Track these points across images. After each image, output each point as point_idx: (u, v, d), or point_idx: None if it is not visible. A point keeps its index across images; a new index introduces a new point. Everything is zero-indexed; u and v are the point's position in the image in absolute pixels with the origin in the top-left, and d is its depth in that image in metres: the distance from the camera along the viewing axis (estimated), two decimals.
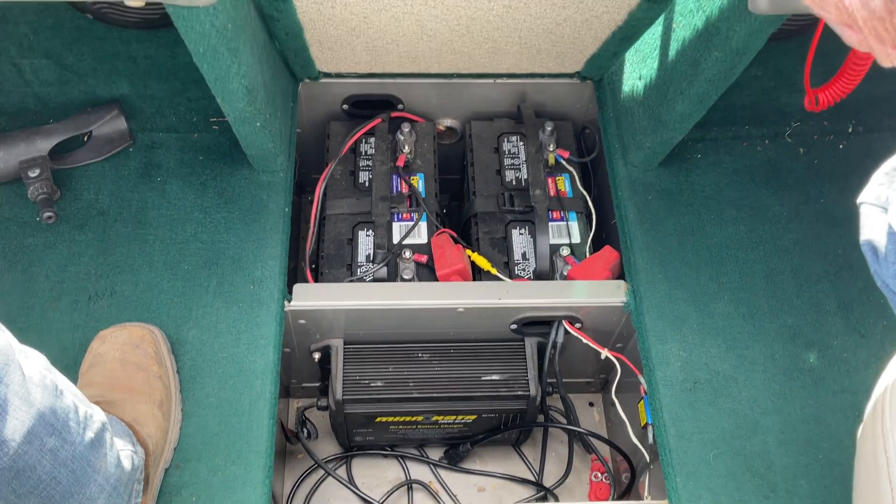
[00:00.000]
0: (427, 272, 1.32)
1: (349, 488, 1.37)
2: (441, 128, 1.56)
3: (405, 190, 1.41)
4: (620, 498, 1.35)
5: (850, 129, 1.50)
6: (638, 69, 1.32)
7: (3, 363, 0.72)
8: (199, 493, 1.08)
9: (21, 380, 0.74)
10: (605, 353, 1.29)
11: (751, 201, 1.39)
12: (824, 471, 1.14)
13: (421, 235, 1.36)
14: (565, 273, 1.31)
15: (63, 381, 0.83)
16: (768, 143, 1.47)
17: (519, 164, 1.45)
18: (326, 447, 1.47)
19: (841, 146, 1.48)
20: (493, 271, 1.31)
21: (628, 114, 1.36)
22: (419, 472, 1.46)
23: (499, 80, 1.46)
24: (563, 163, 1.44)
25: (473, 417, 1.32)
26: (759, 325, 1.26)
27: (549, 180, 1.42)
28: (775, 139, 1.48)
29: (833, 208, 1.39)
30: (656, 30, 1.25)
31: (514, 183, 1.43)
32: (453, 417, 1.31)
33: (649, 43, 1.28)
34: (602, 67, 1.42)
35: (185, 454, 1.11)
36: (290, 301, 1.23)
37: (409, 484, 1.44)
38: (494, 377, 1.28)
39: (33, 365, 0.78)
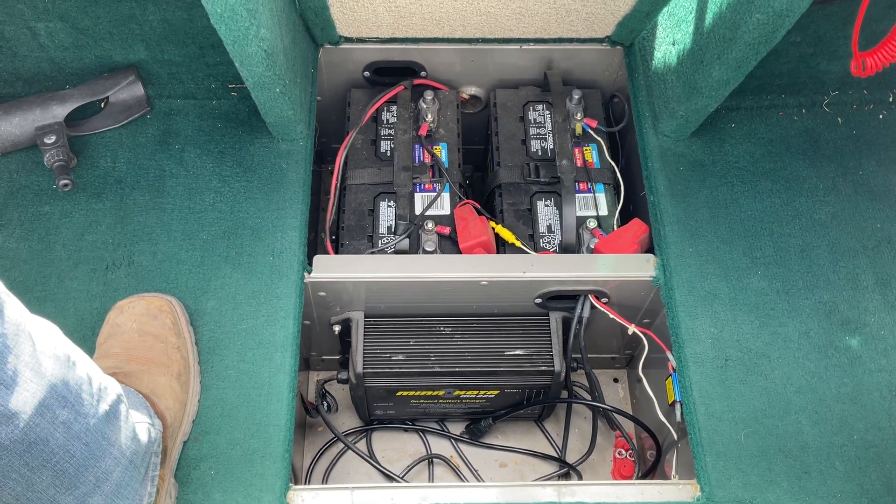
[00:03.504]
0: (450, 244, 1.29)
1: (369, 462, 1.35)
2: (465, 96, 1.52)
3: (428, 160, 1.38)
4: (645, 476, 1.33)
5: (890, 99, 1.45)
6: (672, 33, 1.27)
7: (14, 333, 0.69)
8: (218, 466, 1.07)
9: (32, 351, 0.72)
10: (632, 328, 1.25)
11: (786, 173, 1.34)
12: (859, 452, 1.11)
13: (444, 206, 1.33)
14: (592, 246, 1.28)
15: (76, 352, 0.81)
16: (805, 112, 1.42)
17: (545, 134, 1.41)
18: (346, 420, 1.45)
19: (881, 116, 1.43)
20: (518, 244, 1.28)
21: (660, 81, 1.31)
22: (440, 446, 1.44)
23: (525, 46, 1.42)
24: (591, 132, 1.40)
25: (496, 392, 1.29)
26: (793, 301, 1.21)
27: (576, 150, 1.38)
28: (813, 108, 1.42)
29: (872, 180, 1.34)
30: None
31: (539, 153, 1.39)
32: (475, 392, 1.29)
33: (684, 6, 1.22)
34: (633, 31, 1.37)
35: (203, 427, 1.10)
36: (310, 273, 1.21)
37: (430, 458, 1.42)
38: (518, 352, 1.25)
39: (45, 335, 0.76)
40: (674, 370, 1.19)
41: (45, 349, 0.75)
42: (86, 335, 1.14)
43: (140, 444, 0.91)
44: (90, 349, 1.10)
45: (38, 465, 0.75)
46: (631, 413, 1.43)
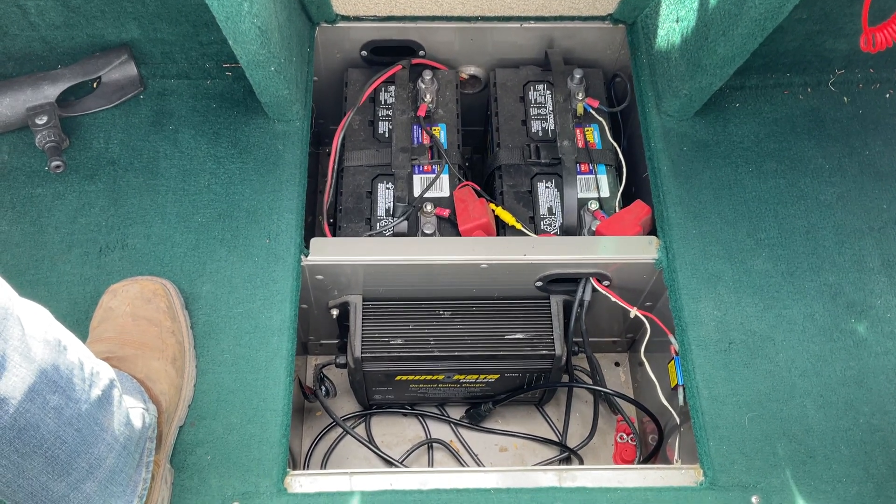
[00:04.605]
0: (449, 227, 1.27)
1: (368, 447, 1.34)
2: (464, 76, 1.49)
3: (426, 141, 1.35)
4: (647, 460, 1.32)
5: None
6: (675, 10, 1.24)
7: (2, 317, 0.68)
8: (215, 451, 1.05)
9: (21, 335, 0.70)
10: (634, 311, 1.24)
11: (791, 153, 1.32)
12: (865, 436, 1.09)
13: (443, 188, 1.31)
14: (594, 228, 1.26)
15: (68, 336, 0.79)
16: (811, 91, 1.39)
17: (546, 114, 1.39)
18: (345, 405, 1.44)
19: (887, 95, 1.41)
20: (518, 226, 1.26)
21: (664, 59, 1.29)
22: (440, 431, 1.43)
23: (526, 24, 1.39)
24: (593, 112, 1.37)
25: (496, 377, 1.28)
26: (798, 283, 1.20)
27: (578, 131, 1.36)
28: (818, 87, 1.40)
29: (878, 161, 1.32)
30: None
31: (540, 134, 1.37)
32: (475, 377, 1.27)
33: None
34: (636, 8, 1.34)
35: (199, 412, 1.08)
36: (306, 256, 1.19)
37: (430, 443, 1.41)
38: (518, 336, 1.24)
39: (35, 319, 0.74)
40: (676, 353, 1.17)
41: (35, 333, 0.73)
42: (79, 319, 1.12)
43: (134, 430, 0.89)
44: (83, 333, 1.08)
45: (28, 452, 0.74)
46: (632, 397, 1.42)
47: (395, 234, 1.26)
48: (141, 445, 0.93)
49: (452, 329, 1.24)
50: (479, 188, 1.31)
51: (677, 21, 1.24)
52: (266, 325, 1.14)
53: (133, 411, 0.91)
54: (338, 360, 1.28)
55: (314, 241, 1.20)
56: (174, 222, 1.22)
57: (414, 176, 1.32)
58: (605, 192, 1.31)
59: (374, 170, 1.33)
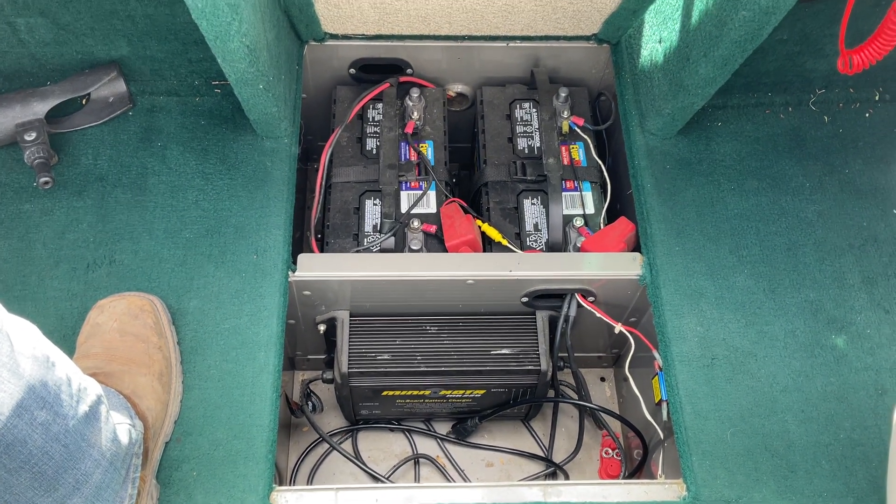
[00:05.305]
0: (436, 243, 1.28)
1: (355, 462, 1.35)
2: (451, 94, 1.51)
3: (414, 158, 1.37)
4: (632, 475, 1.32)
5: (876, 97, 1.45)
6: (658, 31, 1.26)
7: None
8: (201, 467, 1.05)
9: (9, 351, 0.71)
10: (618, 327, 1.25)
11: (773, 171, 1.34)
12: (846, 451, 1.10)
13: (430, 205, 1.32)
14: (579, 245, 1.27)
15: (55, 352, 0.80)
16: (792, 110, 1.42)
17: (531, 132, 1.41)
18: (332, 420, 1.44)
19: (867, 114, 1.43)
20: (504, 242, 1.27)
21: (647, 79, 1.31)
22: (426, 446, 1.43)
23: (512, 44, 1.41)
24: (578, 130, 1.39)
25: (482, 392, 1.28)
26: (779, 299, 1.21)
27: (563, 149, 1.38)
28: (799, 107, 1.42)
29: (858, 179, 1.35)
30: None
31: (526, 151, 1.39)
32: (461, 392, 1.28)
33: (671, 3, 1.22)
34: (620, 28, 1.37)
35: (186, 428, 1.08)
36: (294, 271, 1.19)
37: (416, 458, 1.42)
38: (504, 351, 1.25)
39: (24, 335, 0.75)
40: (660, 369, 1.18)
41: (23, 349, 0.73)
42: (66, 335, 1.12)
43: (120, 446, 0.89)
44: (70, 349, 1.08)
45: (15, 467, 0.74)
46: (617, 412, 1.43)
47: (383, 250, 1.27)
48: (127, 461, 0.93)
49: (439, 344, 1.25)
50: (465, 204, 1.33)
51: (660, 42, 1.26)
52: (253, 341, 1.14)
53: (120, 427, 0.91)
54: (324, 376, 1.29)
55: (301, 257, 1.21)
56: (162, 238, 1.22)
57: (401, 192, 1.33)
58: (590, 209, 1.32)
59: (361, 186, 1.34)
